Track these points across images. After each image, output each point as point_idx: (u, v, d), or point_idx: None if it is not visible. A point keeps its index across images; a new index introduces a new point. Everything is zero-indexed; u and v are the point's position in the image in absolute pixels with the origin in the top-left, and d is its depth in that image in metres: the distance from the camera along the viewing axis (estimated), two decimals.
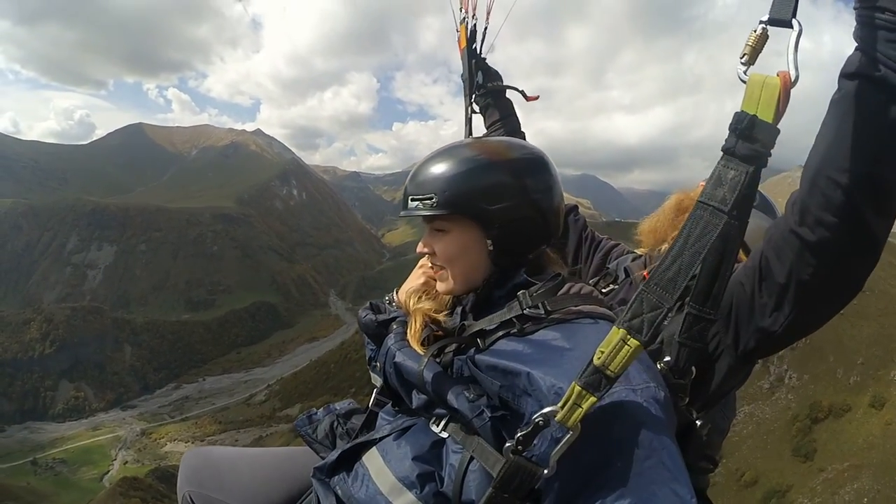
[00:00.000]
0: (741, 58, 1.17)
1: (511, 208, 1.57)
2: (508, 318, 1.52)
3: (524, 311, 1.50)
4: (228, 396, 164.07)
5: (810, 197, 1.36)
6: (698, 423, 1.58)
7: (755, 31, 1.17)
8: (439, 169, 1.62)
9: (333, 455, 1.74)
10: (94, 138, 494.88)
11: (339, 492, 1.64)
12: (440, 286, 1.74)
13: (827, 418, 53.91)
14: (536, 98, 2.50)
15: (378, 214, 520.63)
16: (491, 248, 1.60)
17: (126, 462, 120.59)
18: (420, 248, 1.74)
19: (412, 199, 1.65)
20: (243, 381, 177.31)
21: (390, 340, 1.73)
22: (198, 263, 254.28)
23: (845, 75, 1.25)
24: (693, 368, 1.50)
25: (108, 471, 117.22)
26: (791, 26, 1.13)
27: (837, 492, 45.86)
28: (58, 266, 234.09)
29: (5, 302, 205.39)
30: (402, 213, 1.69)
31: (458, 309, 1.73)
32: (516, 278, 1.64)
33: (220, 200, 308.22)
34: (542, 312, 1.48)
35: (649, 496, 1.12)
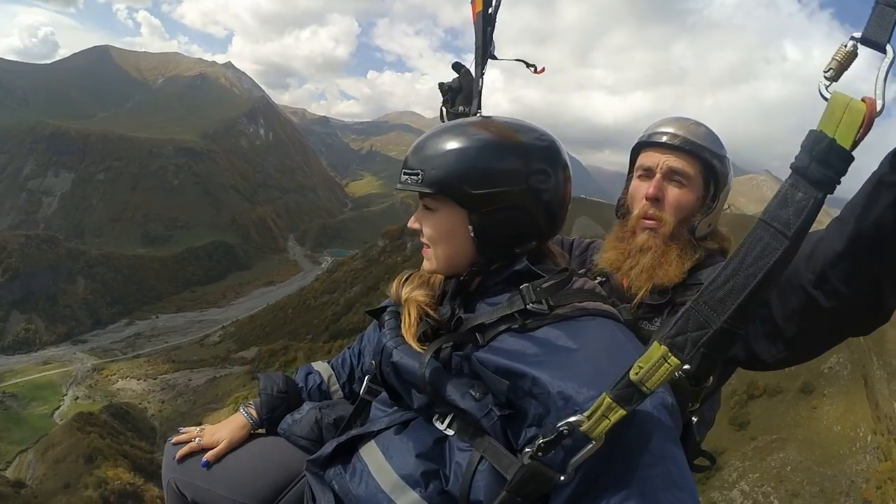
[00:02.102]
0: (825, 72, 1.05)
1: (498, 195, 1.50)
2: (510, 312, 1.46)
3: (527, 307, 1.44)
4: (182, 336, 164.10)
5: (832, 268, 1.31)
6: (694, 419, 1.59)
7: (845, 46, 1.05)
8: (431, 146, 1.57)
9: (328, 447, 1.69)
10: (58, 58, 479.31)
11: (336, 487, 1.59)
12: (425, 264, 1.69)
13: (761, 396, 60.50)
14: (543, 71, 2.47)
15: (344, 163, 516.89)
16: (472, 235, 1.55)
17: (77, 398, 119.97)
18: (410, 223, 1.69)
19: (404, 173, 1.60)
20: (197, 321, 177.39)
21: (385, 337, 1.68)
22: (157, 197, 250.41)
23: None
24: (711, 378, 1.49)
25: (59, 406, 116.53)
26: (884, 51, 1.01)
27: (765, 458, 52.74)
28: (12, 191, 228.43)
29: None
30: (397, 186, 1.64)
31: (451, 298, 1.67)
32: (516, 265, 1.56)
33: (184, 133, 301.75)
34: (546, 308, 1.43)
35: (654, 502, 1.12)
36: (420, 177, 1.54)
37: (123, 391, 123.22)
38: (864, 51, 1.05)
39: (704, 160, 2.04)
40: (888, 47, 1.02)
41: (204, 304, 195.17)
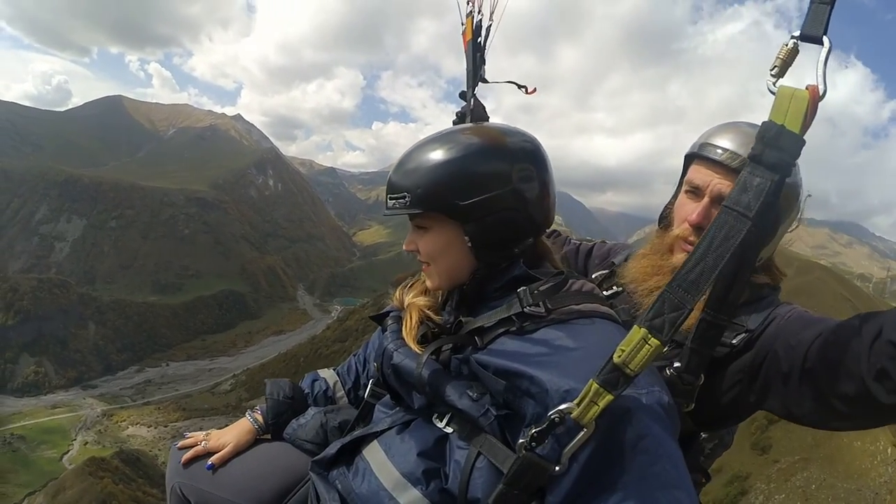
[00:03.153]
0: (771, 70, 1.19)
1: (487, 202, 1.51)
2: (508, 315, 1.48)
3: (524, 310, 1.45)
4: (192, 384, 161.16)
5: (894, 364, 1.23)
6: (703, 435, 1.58)
7: (787, 45, 1.19)
8: (411, 166, 1.57)
9: (333, 448, 1.70)
10: (70, 106, 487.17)
11: (340, 486, 1.60)
12: (428, 282, 1.70)
13: (780, 420, 58.47)
14: (534, 91, 2.44)
15: (351, 212, 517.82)
16: (469, 244, 1.55)
17: (86, 443, 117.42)
18: (406, 246, 1.69)
19: (390, 198, 1.60)
20: (207, 369, 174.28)
21: (386, 340, 1.71)
22: (168, 245, 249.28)
23: None
24: (702, 375, 1.49)
25: (68, 450, 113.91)
26: (822, 42, 1.14)
27: (789, 479, 52.21)
28: (25, 235, 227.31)
29: None
30: (385, 213, 1.65)
31: (451, 303, 1.71)
32: (514, 271, 1.58)
33: (194, 183, 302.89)
34: (543, 311, 1.44)
35: (652, 501, 1.13)
36: (407, 199, 1.54)
37: (133, 438, 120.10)
38: (804, 46, 1.18)
39: None
40: (825, 38, 1.14)
41: (214, 352, 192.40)
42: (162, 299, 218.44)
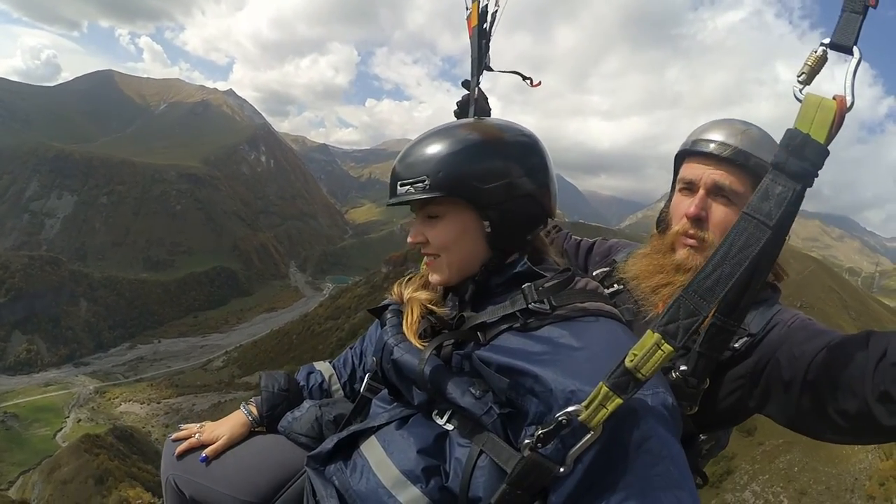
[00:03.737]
0: (798, 76, 1.17)
1: (508, 186, 1.53)
2: (512, 311, 1.47)
3: (529, 306, 1.44)
4: (184, 360, 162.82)
5: None
6: (702, 437, 1.59)
7: (815, 52, 1.17)
8: (430, 150, 1.55)
9: (329, 443, 1.68)
10: (60, 81, 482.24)
11: (337, 483, 1.58)
12: (434, 277, 1.66)
13: None
14: (539, 84, 2.44)
15: (343, 190, 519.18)
16: (488, 229, 1.55)
17: (79, 420, 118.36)
18: (411, 239, 1.66)
19: (402, 184, 1.57)
20: (199, 346, 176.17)
21: (386, 334, 1.68)
22: (159, 222, 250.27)
23: None
24: (708, 379, 1.50)
25: (61, 428, 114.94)
26: (852, 53, 1.13)
27: (773, 461, 55.14)
28: (15, 212, 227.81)
29: None
30: (391, 201, 1.61)
31: (453, 298, 1.68)
32: (517, 266, 1.57)
33: (186, 159, 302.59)
34: (548, 308, 1.43)
35: (654, 501, 1.12)
36: (427, 182, 1.52)
37: (126, 415, 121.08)
38: (832, 55, 1.16)
39: (758, 173, 1.73)
40: (854, 49, 1.13)
41: (206, 329, 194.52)
42: (153, 276, 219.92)
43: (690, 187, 1.88)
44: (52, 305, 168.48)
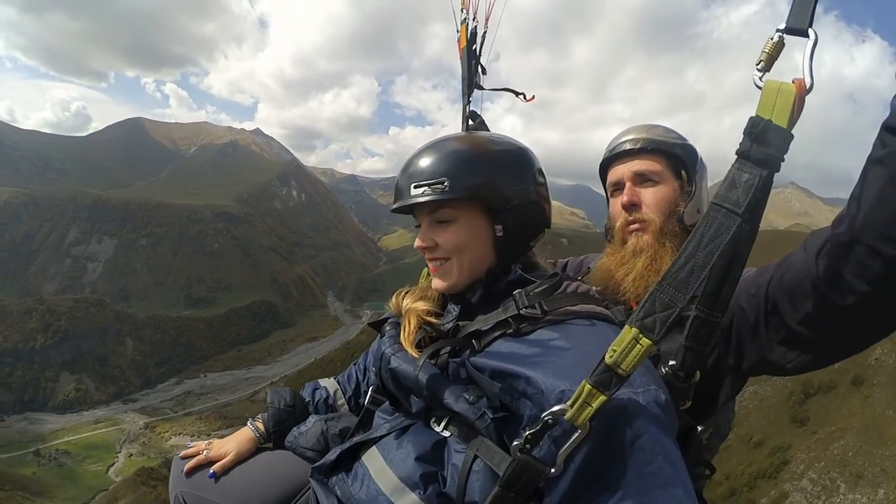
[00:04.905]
0: (757, 64, 1.18)
1: (521, 192, 1.58)
2: (504, 318, 1.48)
3: (520, 311, 1.46)
4: (231, 393, 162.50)
5: (844, 262, 1.23)
6: (699, 428, 1.59)
7: (772, 39, 1.17)
8: (448, 153, 1.57)
9: (332, 454, 1.71)
10: (91, 131, 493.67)
11: (339, 492, 1.61)
12: (441, 282, 1.66)
13: (817, 394, 65.96)
14: (532, 98, 2.45)
15: (374, 218, 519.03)
16: (500, 233, 1.58)
17: (131, 455, 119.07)
18: (419, 243, 1.66)
19: (417, 186, 1.56)
20: (245, 378, 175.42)
21: (384, 345, 1.71)
22: (198, 260, 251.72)
23: (890, 129, 1.12)
24: (697, 372, 1.48)
25: (113, 463, 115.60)
26: (807, 35, 1.13)
27: (828, 448, 57.15)
28: (57, 257, 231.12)
29: (3, 291, 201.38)
30: (403, 203, 1.62)
31: (452, 308, 1.68)
32: (511, 275, 1.60)
33: (219, 198, 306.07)
34: (539, 312, 1.45)
35: (650, 500, 1.12)
36: (446, 184, 1.52)
37: (178, 448, 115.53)
38: (790, 39, 1.16)
39: (666, 152, 1.97)
40: (810, 31, 1.13)
41: (250, 361, 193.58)
42: (196, 313, 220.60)
43: (619, 186, 2.03)
44: (98, 345, 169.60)
